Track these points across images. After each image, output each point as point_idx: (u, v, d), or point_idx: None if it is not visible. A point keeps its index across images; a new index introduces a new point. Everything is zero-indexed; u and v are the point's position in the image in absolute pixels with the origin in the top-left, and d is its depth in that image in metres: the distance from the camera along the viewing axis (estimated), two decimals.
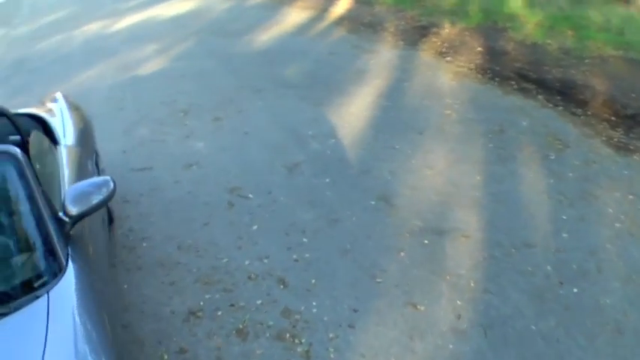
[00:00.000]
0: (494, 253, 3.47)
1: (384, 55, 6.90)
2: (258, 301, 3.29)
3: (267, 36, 8.22)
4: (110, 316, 2.56)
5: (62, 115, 3.79)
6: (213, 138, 5.24)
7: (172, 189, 4.50)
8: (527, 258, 3.43)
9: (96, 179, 2.62)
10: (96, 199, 2.48)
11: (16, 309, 2.13)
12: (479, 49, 6.45)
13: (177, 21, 9.80)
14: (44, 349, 1.97)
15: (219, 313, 3.25)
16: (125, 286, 3.52)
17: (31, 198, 2.40)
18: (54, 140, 3.43)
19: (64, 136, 3.46)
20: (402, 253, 3.53)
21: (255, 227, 3.92)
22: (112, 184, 2.55)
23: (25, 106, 4.32)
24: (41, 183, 2.66)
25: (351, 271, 3.45)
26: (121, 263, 3.71)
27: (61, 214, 2.43)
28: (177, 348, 3.03)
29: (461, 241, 3.60)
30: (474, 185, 4.14)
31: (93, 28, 10.37)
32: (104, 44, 9.12)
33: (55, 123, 3.61)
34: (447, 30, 7.13)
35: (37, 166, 2.83)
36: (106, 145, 5.15)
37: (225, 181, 4.50)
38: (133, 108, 6.19)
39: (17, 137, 3.26)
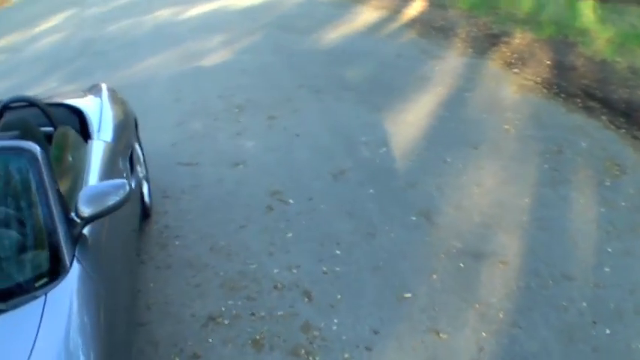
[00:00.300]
0: (530, 283, 3.25)
1: (451, 62, 6.66)
2: (280, 312, 3.20)
3: (335, 34, 8.10)
4: (124, 315, 2.56)
5: (100, 108, 3.79)
6: (264, 137, 5.17)
7: (214, 187, 4.46)
8: (563, 291, 3.19)
9: (112, 182, 2.59)
10: (110, 202, 2.44)
11: (13, 307, 2.11)
12: (547, 62, 6.13)
13: (248, 13, 9.81)
14: (30, 352, 1.94)
15: (239, 320, 3.17)
16: (151, 285, 3.49)
17: (42, 197, 2.38)
18: (87, 134, 3.41)
19: (98, 131, 3.45)
20: (435, 276, 3.36)
21: (290, 235, 3.82)
22: (127, 188, 2.50)
23: (79, 91, 4.37)
24: (61, 180, 2.64)
25: (379, 289, 3.30)
26: (151, 260, 3.70)
27: (73, 214, 2.38)
28: (190, 353, 2.99)
29: (498, 267, 3.39)
30: (521, 208, 3.90)
31: (164, 14, 10.53)
32: (172, 31, 9.24)
33: (92, 116, 3.60)
34: (518, 40, 6.82)
35: (60, 162, 2.81)
36: (157, 136, 5.21)
37: (268, 184, 4.42)
38: (189, 100, 6.21)
39: (50, 129, 3.26)
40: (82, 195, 2.41)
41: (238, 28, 8.82)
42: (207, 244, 3.81)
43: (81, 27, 10.59)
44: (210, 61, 7.45)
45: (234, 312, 3.23)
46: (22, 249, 2.34)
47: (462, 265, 3.43)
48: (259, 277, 3.48)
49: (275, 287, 3.39)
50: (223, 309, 3.27)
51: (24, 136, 2.87)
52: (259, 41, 8.09)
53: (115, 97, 4.18)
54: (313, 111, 5.63)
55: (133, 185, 3.49)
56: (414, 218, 3.86)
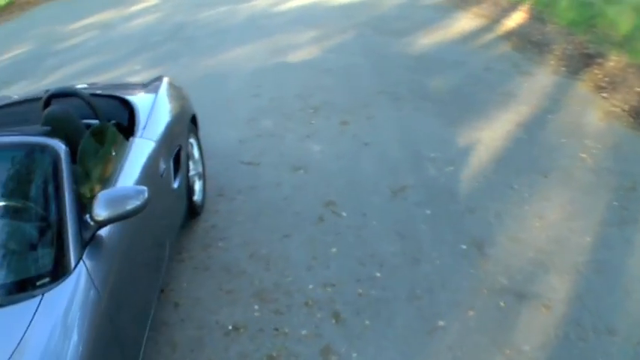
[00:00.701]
0: (569, 333, 2.97)
1: (540, 80, 6.27)
2: (303, 332, 3.11)
3: (428, 40, 7.86)
4: (130, 323, 2.54)
5: (152, 104, 3.80)
6: (332, 143, 5.07)
7: (271, 190, 4.42)
8: (602, 346, 2.89)
9: (131, 187, 2.58)
10: (127, 207, 2.41)
11: (9, 302, 2.13)
12: (638, 89, 5.63)
13: (345, 10, 9.69)
14: (13, 351, 1.94)
15: (261, 334, 3.11)
16: (184, 285, 3.49)
17: (56, 196, 2.40)
18: (132, 130, 3.42)
19: (144, 128, 3.45)
20: (471, 312, 3.15)
21: (334, 249, 3.72)
22: (145, 195, 2.46)
23: (140, 83, 4.42)
24: (89, 177, 2.65)
25: (410, 320, 3.14)
26: (190, 259, 3.70)
27: (87, 216, 2.36)
28: None
29: (540, 311, 3.13)
30: (580, 247, 3.59)
31: (261, 3, 10.59)
32: (265, 23, 9.28)
33: (141, 111, 3.61)
34: (612, 63, 6.32)
35: (92, 158, 2.82)
36: (227, 131, 5.27)
37: (325, 193, 4.32)
38: (267, 96, 6.20)
39: (96, 122, 3.30)
40: (99, 198, 2.39)
41: (332, 25, 8.73)
42: (249, 250, 3.76)
43: (176, 10, 10.85)
44: (297, 57, 7.41)
45: (258, 325, 3.17)
46: (29, 246, 2.37)
47: (502, 304, 3.20)
48: (292, 290, 3.39)
49: (306, 304, 3.30)
50: (249, 320, 3.21)
51: (62, 130, 2.91)
52: (350, 41, 7.97)
53: (173, 93, 4.20)
54: (388, 119, 5.46)
55: (175, 185, 3.48)
56: (464, 247, 3.64)
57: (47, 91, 3.38)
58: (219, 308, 3.31)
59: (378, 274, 3.49)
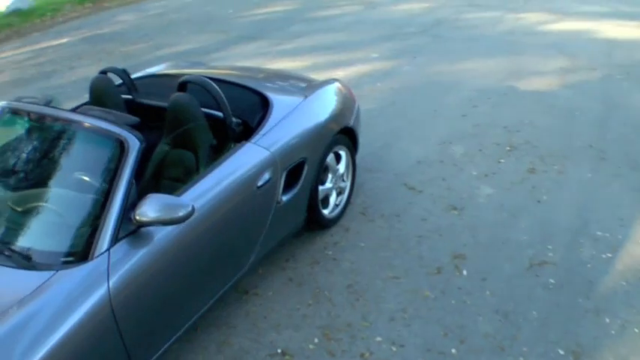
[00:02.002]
0: None
1: None
2: None
3: None
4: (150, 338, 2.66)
5: (294, 109, 3.79)
6: (505, 191, 4.67)
7: (411, 224, 4.28)
8: None
9: (179, 199, 2.65)
10: (166, 216, 2.53)
11: (24, 267, 2.38)
12: None
13: (611, 46, 8.36)
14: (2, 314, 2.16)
15: None
16: (270, 293, 3.59)
17: (110, 185, 2.57)
18: (251, 131, 3.46)
19: (265, 134, 3.48)
20: None
21: (428, 308, 3.51)
22: (190, 209, 2.55)
23: (309, 80, 4.46)
24: (165, 174, 2.92)
25: None
26: (291, 270, 3.79)
27: (133, 213, 2.53)
28: None
29: None
30: None
31: (530, 18, 9.79)
32: (520, 40, 8.61)
33: (274, 115, 3.63)
34: None
35: (182, 155, 3.07)
36: (411, 147, 5.30)
37: (462, 244, 4.04)
38: (474, 120, 5.89)
39: (238, 121, 3.45)
40: (146, 200, 2.55)
41: (585, 59, 7.75)
42: (350, 279, 3.73)
43: (445, 4, 10.62)
44: (531, 85, 6.84)
45: (306, 359, 3.13)
46: (68, 221, 2.60)
47: None
48: (359, 337, 3.31)
49: (361, 355, 3.20)
50: (300, 351, 3.23)
51: (180, 117, 3.24)
52: (594, 80, 7.04)
53: (329, 101, 4.13)
54: (578, 180, 4.81)
55: (284, 198, 3.52)
56: (561, 352, 3.15)
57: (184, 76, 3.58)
58: (283, 329, 3.36)
59: (453, 351, 3.20)
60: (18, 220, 2.70)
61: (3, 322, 2.16)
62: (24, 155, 2.98)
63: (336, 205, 4.26)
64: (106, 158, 2.71)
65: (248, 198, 3.23)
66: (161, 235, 2.68)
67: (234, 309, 3.48)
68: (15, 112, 3.12)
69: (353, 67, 7.17)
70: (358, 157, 4.69)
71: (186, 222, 2.64)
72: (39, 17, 11.36)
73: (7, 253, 2.47)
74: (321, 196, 4.01)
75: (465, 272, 3.76)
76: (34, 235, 2.62)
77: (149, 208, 2.54)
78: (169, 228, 2.69)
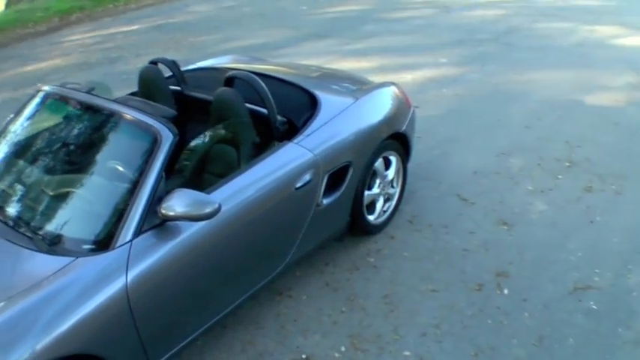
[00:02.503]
0: None
1: None
2: None
3: None
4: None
5: (343, 110, 3.72)
6: (559, 208, 4.47)
7: (459, 237, 4.17)
8: None
9: (206, 196, 2.65)
10: (192, 212, 2.54)
11: (45, 251, 2.46)
12: None
13: None
14: (12, 295, 2.26)
15: None
16: (304, 297, 3.60)
17: (139, 176, 2.61)
18: (294, 131, 3.46)
19: (310, 135, 3.44)
20: None
21: (463, 325, 3.43)
22: (216, 207, 2.56)
23: (365, 82, 4.39)
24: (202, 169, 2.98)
25: None
26: (329, 274, 3.80)
27: (158, 208, 2.57)
28: None
29: None
30: None
31: (604, 32, 9.13)
32: (591, 53, 8.08)
33: (322, 115, 3.58)
34: None
35: (220, 150, 3.13)
36: (469, 157, 5.20)
37: (507, 261, 3.93)
38: (537, 133, 5.69)
39: (283, 120, 3.45)
40: (173, 194, 2.57)
41: None
42: (388, 289, 3.69)
43: (519, 12, 10.25)
44: (597, 99, 6.48)
45: None
46: (95, 208, 2.66)
47: None
48: (387, 350, 3.27)
49: None
50: (326, 357, 3.20)
51: (223, 112, 3.28)
52: None
53: (382, 105, 4.03)
54: (635, 202, 4.53)
55: (325, 201, 3.48)
56: None
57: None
58: (311, 334, 3.36)
59: None
60: (47, 204, 2.78)
61: (13, 304, 2.24)
62: (61, 140, 3.07)
63: (384, 212, 4.20)
64: (138, 149, 2.74)
65: (285, 198, 3.20)
66: (188, 230, 2.70)
67: (265, 309, 3.50)
68: (58, 98, 3.23)
69: (420, 71, 7.05)
70: (413, 163, 4.64)
71: (217, 219, 2.66)
72: (112, 2, 11.64)
73: (31, 235, 2.56)
74: (367, 201, 3.95)
75: (506, 291, 3.64)
76: (60, 220, 2.68)
77: (175, 203, 2.56)
78: (198, 224, 2.71)
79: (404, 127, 4.09)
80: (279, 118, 3.46)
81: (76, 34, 9.76)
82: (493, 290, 3.64)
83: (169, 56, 4.17)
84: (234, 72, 3.56)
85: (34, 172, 2.96)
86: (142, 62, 7.29)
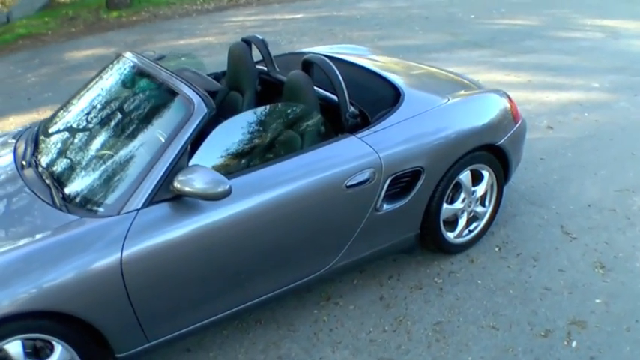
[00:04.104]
0: None
1: None
2: None
3: None
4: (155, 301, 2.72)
5: (427, 110, 3.46)
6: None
7: (544, 274, 3.77)
8: None
9: (218, 175, 2.57)
10: (200, 190, 2.51)
11: (56, 207, 2.62)
12: None
13: None
14: (12, 248, 2.43)
15: None
16: (352, 307, 3.48)
17: (165, 144, 2.65)
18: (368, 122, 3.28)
19: (379, 131, 3.24)
20: None
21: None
22: (226, 188, 2.52)
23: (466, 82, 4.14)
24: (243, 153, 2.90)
25: None
26: (386, 288, 3.62)
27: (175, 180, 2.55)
28: None
29: None
30: None
31: None
32: None
33: (402, 111, 3.35)
34: None
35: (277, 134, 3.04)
36: (588, 188, 4.67)
37: (589, 309, 3.46)
38: (616, 151, 4.99)
39: (355, 112, 3.29)
40: (188, 170, 2.58)
41: None
42: (443, 317, 3.45)
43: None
44: None
45: None
46: (111, 171, 2.75)
47: None
48: None
49: None
50: None
51: (292, 94, 3.22)
52: None
53: (479, 114, 3.65)
54: None
55: (385, 206, 3.28)
56: None
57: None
58: (342, 348, 3.24)
59: None
60: (78, 163, 2.94)
61: (9, 251, 2.42)
62: (114, 104, 3.24)
63: (469, 231, 3.90)
64: (173, 119, 2.77)
65: (332, 196, 3.02)
66: (208, 212, 2.66)
67: (306, 312, 3.44)
68: (129, 64, 3.38)
69: (567, 92, 6.44)
70: (525, 185, 4.41)
71: (242, 208, 2.68)
72: None
73: (51, 187, 2.72)
74: (445, 215, 3.66)
75: (574, 343, 3.23)
76: (83, 180, 2.81)
77: (186, 178, 2.54)
78: (221, 207, 2.67)
79: (501, 141, 3.67)
80: (351, 109, 3.25)
81: (239, 16, 10.18)
82: (560, 340, 3.25)
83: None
84: (309, 55, 3.44)
85: (80, 132, 3.17)
86: (291, 49, 7.48)
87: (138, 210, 2.54)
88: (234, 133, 2.92)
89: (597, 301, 3.51)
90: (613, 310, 3.42)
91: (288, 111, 3.22)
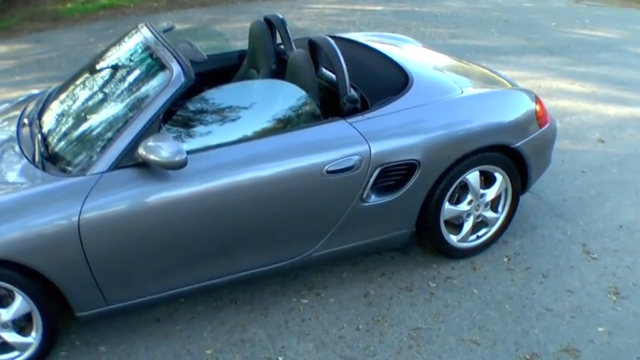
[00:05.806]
0: None
1: None
2: None
3: None
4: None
5: (440, 101, 3.27)
6: None
7: (550, 294, 3.51)
8: None
9: (177, 145, 2.57)
10: (159, 156, 2.53)
11: (35, 164, 2.75)
12: None
13: None
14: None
15: None
16: (332, 300, 3.39)
17: (139, 111, 2.69)
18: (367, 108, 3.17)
19: (371, 118, 3.11)
20: None
21: None
22: (182, 158, 2.52)
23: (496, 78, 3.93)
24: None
25: None
26: (379, 287, 3.48)
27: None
28: None
29: None
30: None
31: None
32: None
33: (405, 99, 3.20)
34: None
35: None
36: (625, 209, 4.29)
37: (588, 338, 3.17)
38: None
39: (354, 96, 3.17)
40: (151, 137, 2.60)
41: None
42: (424, 323, 3.28)
43: None
44: None
45: None
46: (93, 135, 2.83)
47: None
48: None
49: None
50: None
51: (293, 74, 3.15)
52: None
53: (495, 111, 3.40)
54: None
55: (371, 197, 3.13)
56: None
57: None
58: (307, 341, 3.15)
59: None
60: (65, 125, 3.07)
61: None
62: (113, 72, 3.33)
63: (477, 237, 3.67)
64: (153, 86, 2.81)
65: (310, 180, 2.92)
66: (174, 182, 2.66)
67: (284, 299, 3.36)
68: (138, 35, 3.40)
69: (629, 108, 5.94)
70: (557, 198, 4.19)
71: (212, 184, 2.69)
72: None
73: (35, 146, 2.84)
74: (448, 216, 3.45)
75: None
76: (65, 142, 2.91)
77: (150, 146, 2.56)
78: (189, 178, 2.67)
79: (518, 144, 3.40)
80: (351, 92, 3.11)
81: (321, 3, 10.10)
82: None
83: None
84: (313, 36, 3.37)
85: (74, 97, 3.30)
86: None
87: (102, 173, 2.60)
88: (212, 105, 2.89)
89: (600, 329, 3.20)
90: (614, 343, 3.12)
91: (273, 89, 3.13)
